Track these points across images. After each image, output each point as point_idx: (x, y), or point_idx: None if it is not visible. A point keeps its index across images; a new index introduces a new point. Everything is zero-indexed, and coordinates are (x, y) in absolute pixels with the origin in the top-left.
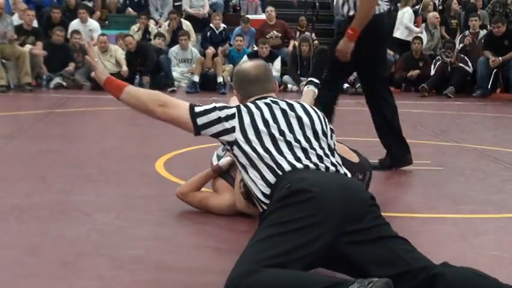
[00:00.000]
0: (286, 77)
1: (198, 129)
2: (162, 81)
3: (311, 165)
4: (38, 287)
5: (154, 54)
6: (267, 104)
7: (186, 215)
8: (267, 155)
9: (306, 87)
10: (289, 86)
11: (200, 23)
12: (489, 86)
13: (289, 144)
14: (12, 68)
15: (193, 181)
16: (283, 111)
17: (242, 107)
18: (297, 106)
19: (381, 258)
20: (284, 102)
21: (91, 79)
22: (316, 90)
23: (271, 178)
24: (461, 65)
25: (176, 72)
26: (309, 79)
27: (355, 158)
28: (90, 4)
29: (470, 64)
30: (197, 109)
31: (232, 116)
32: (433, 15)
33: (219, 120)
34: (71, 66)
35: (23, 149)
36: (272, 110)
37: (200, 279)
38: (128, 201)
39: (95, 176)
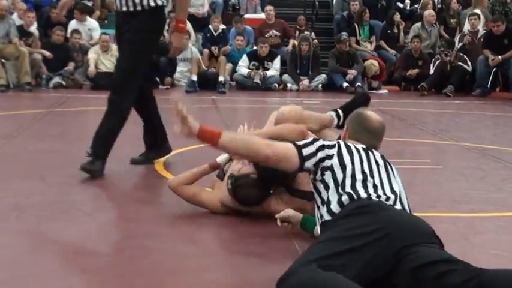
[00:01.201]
0: (285, 76)
1: (303, 159)
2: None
3: (383, 199)
4: (37, 286)
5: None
6: (363, 149)
7: (188, 214)
8: (350, 182)
9: (329, 111)
10: (289, 85)
11: (200, 23)
12: (488, 85)
13: (371, 184)
14: (11, 68)
15: (187, 175)
16: (376, 162)
17: (342, 142)
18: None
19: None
20: (378, 154)
21: (90, 79)
22: (334, 119)
23: (346, 200)
24: (460, 63)
25: (176, 71)
26: (338, 110)
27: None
28: (89, 3)
29: (469, 63)
30: (300, 143)
31: (333, 146)
32: (428, 14)
33: (323, 147)
34: (71, 66)
35: (23, 149)
36: (367, 154)
37: (200, 280)
38: (128, 200)
39: None
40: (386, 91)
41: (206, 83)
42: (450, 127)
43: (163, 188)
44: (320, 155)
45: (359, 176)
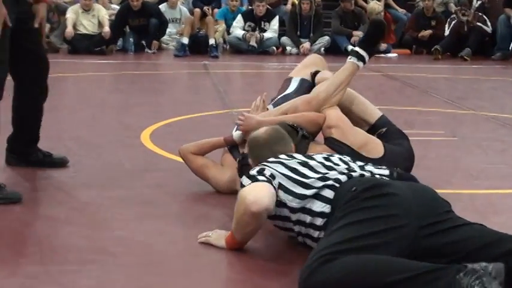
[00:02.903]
0: (284, 39)
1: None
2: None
3: (366, 174)
4: (11, 270)
5: (158, 17)
6: (282, 157)
7: (176, 192)
8: (317, 179)
9: (348, 58)
10: (288, 48)
11: None
12: (510, 48)
13: (330, 167)
14: None
15: (201, 144)
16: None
17: (263, 163)
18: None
19: (465, 236)
20: (300, 155)
21: (68, 41)
22: (359, 64)
23: (330, 194)
24: (479, 24)
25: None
26: (355, 48)
27: (376, 151)
28: None
29: (489, 23)
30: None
31: (261, 171)
32: None
33: (258, 174)
34: (46, 28)
35: None
36: (292, 157)
37: (191, 262)
38: (111, 177)
39: (74, 150)
40: (395, 55)
41: (197, 46)
42: (467, 94)
43: (150, 163)
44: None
45: (319, 167)
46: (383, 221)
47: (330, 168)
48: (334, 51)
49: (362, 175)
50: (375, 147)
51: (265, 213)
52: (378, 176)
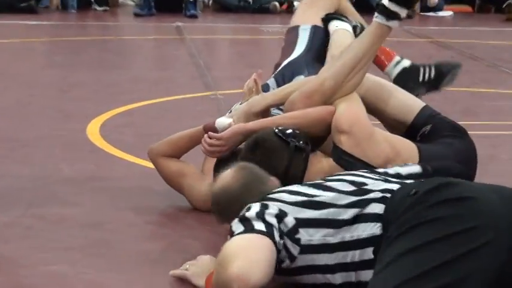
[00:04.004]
0: None
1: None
2: None
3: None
4: None
5: None
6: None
7: (137, 209)
8: (351, 194)
9: (374, 16)
10: (296, 3)
11: None
12: None
13: (361, 183)
14: None
15: (175, 140)
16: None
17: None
18: None
19: None
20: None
21: None
22: (390, 25)
23: (379, 208)
24: None
25: None
26: (382, 1)
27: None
28: None
29: None
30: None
31: (262, 210)
32: None
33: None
34: None
35: None
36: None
37: None
38: (44, 187)
39: None
40: (451, 13)
41: (167, 1)
42: None
43: (99, 166)
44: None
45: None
46: (457, 241)
47: (361, 184)
48: (362, 8)
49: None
50: (405, 161)
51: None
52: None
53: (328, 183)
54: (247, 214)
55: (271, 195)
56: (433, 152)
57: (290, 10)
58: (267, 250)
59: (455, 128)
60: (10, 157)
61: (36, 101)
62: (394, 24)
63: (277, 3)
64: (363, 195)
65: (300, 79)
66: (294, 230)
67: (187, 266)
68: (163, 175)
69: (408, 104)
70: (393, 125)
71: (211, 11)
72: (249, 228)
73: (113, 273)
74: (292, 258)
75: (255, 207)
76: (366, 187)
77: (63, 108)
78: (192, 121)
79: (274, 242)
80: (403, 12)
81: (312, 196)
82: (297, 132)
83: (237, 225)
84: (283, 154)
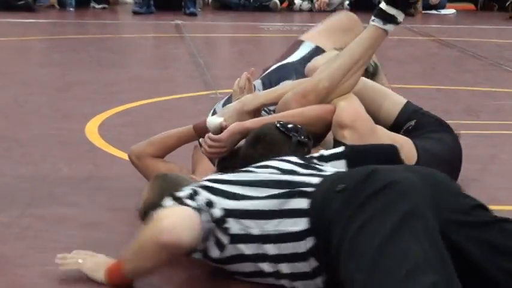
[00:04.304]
0: None
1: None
2: None
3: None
4: None
5: None
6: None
7: (130, 206)
8: (276, 186)
9: (371, 20)
10: (297, 2)
11: None
12: None
13: (290, 170)
14: None
15: (161, 139)
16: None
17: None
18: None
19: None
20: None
21: None
22: (386, 28)
23: (303, 203)
24: None
25: None
26: (378, 7)
27: (407, 159)
28: None
29: None
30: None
31: (193, 194)
32: None
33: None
34: None
35: None
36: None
37: None
38: (42, 187)
39: None
40: (453, 11)
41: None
42: None
43: (97, 167)
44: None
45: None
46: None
47: (290, 173)
48: (363, 7)
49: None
50: (405, 157)
51: (177, 250)
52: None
53: (256, 173)
54: (179, 194)
55: (200, 183)
56: (429, 150)
57: (290, 8)
58: (194, 221)
59: (440, 124)
60: (8, 157)
61: (34, 100)
62: (390, 28)
63: (277, 1)
64: (288, 187)
65: (286, 84)
66: (222, 220)
67: (80, 261)
68: (147, 176)
69: (391, 99)
70: (377, 120)
71: (211, 9)
72: (179, 202)
73: None
74: (222, 246)
75: (187, 190)
76: (291, 178)
77: (61, 107)
78: (191, 120)
79: (202, 221)
80: (400, 16)
81: (241, 185)
82: (299, 126)
83: (167, 201)
84: (284, 148)
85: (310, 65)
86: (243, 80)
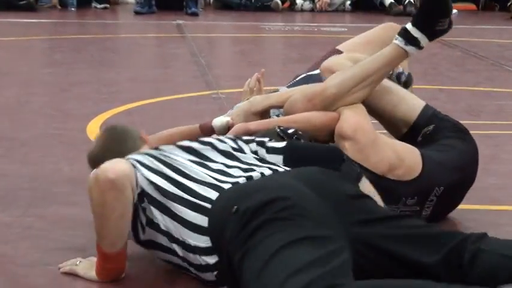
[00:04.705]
0: None
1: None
2: None
3: (241, 180)
4: None
5: None
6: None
7: None
8: (182, 192)
9: (394, 38)
10: (299, 2)
11: None
12: None
13: (197, 172)
14: None
15: (167, 137)
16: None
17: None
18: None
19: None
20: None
21: None
22: (408, 50)
23: (201, 219)
24: None
25: None
26: (406, 25)
27: (410, 173)
28: None
29: None
30: None
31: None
32: None
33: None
34: None
35: None
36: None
37: None
38: (44, 187)
39: None
40: (455, 11)
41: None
42: None
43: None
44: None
45: (185, 171)
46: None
47: (203, 166)
48: (365, 7)
49: (248, 177)
50: (409, 168)
51: (128, 184)
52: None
53: (178, 156)
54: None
55: (132, 156)
56: (436, 158)
57: (292, 8)
58: (129, 164)
59: (458, 129)
60: (9, 157)
61: (36, 99)
62: (411, 50)
63: (279, 1)
64: (190, 194)
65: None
66: (141, 198)
67: (78, 263)
68: None
69: (410, 103)
70: (394, 125)
71: (213, 8)
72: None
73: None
74: (143, 227)
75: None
76: (194, 183)
77: (63, 107)
78: (193, 120)
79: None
80: (423, 40)
81: (170, 168)
82: (299, 132)
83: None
84: None
85: (324, 63)
86: (253, 81)
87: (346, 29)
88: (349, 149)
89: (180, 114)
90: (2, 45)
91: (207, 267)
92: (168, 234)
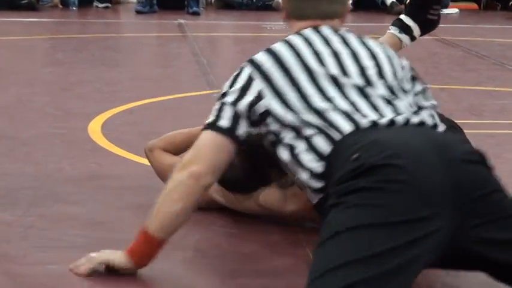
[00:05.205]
0: None
1: (232, 135)
2: None
3: (382, 121)
4: None
5: None
6: (307, 40)
7: (139, 208)
8: (314, 115)
9: (388, 28)
10: None
11: None
12: None
13: (343, 92)
14: None
15: (172, 136)
16: (335, 52)
17: (260, 56)
18: (356, 40)
19: None
20: (342, 36)
21: None
22: (402, 38)
23: (325, 147)
24: None
25: None
26: (401, 16)
27: None
28: None
29: None
30: (210, 118)
31: (248, 81)
32: None
33: (238, 96)
34: None
35: None
36: (317, 47)
37: None
38: (45, 186)
39: None
40: (456, 10)
41: None
42: None
43: (101, 165)
44: (242, 107)
45: (329, 88)
46: (401, 230)
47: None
48: (366, 6)
49: (390, 122)
50: None
51: (210, 175)
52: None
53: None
54: (224, 99)
55: (263, 68)
56: None
57: None
58: (222, 152)
59: (452, 127)
60: (11, 156)
61: (37, 99)
62: (405, 39)
63: (280, 0)
64: (325, 121)
65: None
66: (262, 116)
67: (93, 254)
68: (156, 169)
69: None
70: None
71: (214, 8)
72: (215, 121)
73: (114, 273)
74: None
75: (240, 81)
76: (327, 111)
77: (64, 106)
78: (195, 120)
79: (234, 138)
80: (416, 30)
81: (298, 89)
82: None
83: (213, 110)
84: None
85: None
86: None
87: (347, 28)
88: None
89: (181, 113)
90: (3, 44)
91: (314, 190)
92: (284, 145)
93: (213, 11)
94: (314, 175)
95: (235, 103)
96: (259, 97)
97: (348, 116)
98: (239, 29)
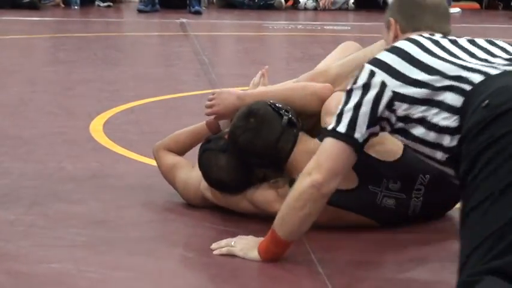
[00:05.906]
0: None
1: (356, 145)
2: None
3: (509, 68)
4: None
5: None
6: (431, 39)
7: (140, 208)
8: (444, 79)
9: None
10: (302, 0)
11: None
12: None
13: (463, 58)
14: None
15: (176, 136)
16: (454, 41)
17: (379, 55)
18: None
19: None
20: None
21: None
22: None
23: (457, 100)
24: None
25: None
26: None
27: (389, 154)
28: None
29: None
30: (332, 126)
31: (371, 74)
32: None
33: (361, 99)
34: None
35: None
36: (438, 42)
37: None
38: (47, 185)
39: None
40: (458, 10)
41: None
42: None
43: (102, 164)
44: (365, 104)
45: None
46: None
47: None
48: (368, 5)
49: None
50: (389, 149)
51: (331, 189)
52: None
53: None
54: (344, 106)
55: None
56: None
57: (295, 6)
58: (341, 158)
59: None
60: (12, 155)
61: (39, 98)
62: None
63: (282, 0)
64: (455, 80)
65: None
66: (389, 103)
67: (232, 243)
68: (161, 170)
69: None
70: None
71: (216, 7)
72: (334, 127)
73: (116, 271)
74: (391, 124)
75: (363, 78)
76: (459, 71)
77: (66, 105)
78: (196, 119)
79: (353, 142)
80: None
81: (414, 72)
82: (289, 108)
83: (334, 117)
84: (275, 125)
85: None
86: (257, 77)
87: (349, 28)
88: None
89: (183, 112)
90: (5, 43)
91: (442, 148)
92: (415, 120)
93: (214, 10)
94: (450, 132)
95: (357, 105)
96: (383, 85)
97: (479, 70)
98: (241, 28)
